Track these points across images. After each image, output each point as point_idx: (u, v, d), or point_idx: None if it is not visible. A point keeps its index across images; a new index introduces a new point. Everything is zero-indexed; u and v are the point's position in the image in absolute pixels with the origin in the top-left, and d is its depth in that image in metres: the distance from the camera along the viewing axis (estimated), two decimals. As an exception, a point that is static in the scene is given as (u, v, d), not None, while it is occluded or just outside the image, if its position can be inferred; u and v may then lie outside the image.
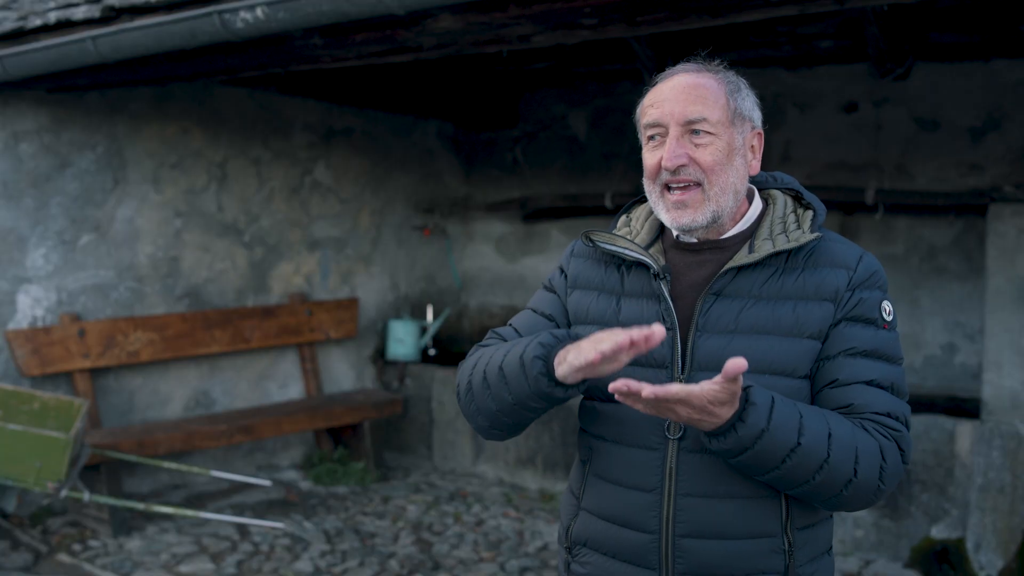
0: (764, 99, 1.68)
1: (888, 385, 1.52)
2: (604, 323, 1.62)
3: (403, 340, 6.26)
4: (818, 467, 1.42)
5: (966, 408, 4.81)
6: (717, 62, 1.64)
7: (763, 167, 1.70)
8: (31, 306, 4.76)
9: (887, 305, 1.57)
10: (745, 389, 1.38)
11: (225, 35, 3.50)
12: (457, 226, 7.16)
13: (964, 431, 4.17)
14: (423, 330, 6.46)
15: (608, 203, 5.84)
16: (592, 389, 1.64)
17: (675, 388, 1.32)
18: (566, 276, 1.74)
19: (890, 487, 1.49)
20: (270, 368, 5.89)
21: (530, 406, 1.54)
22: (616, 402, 1.59)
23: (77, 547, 4.36)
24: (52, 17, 4.04)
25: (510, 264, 7.01)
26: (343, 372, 6.30)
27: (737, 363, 1.28)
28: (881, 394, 1.51)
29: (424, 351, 6.50)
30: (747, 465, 1.44)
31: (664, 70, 1.65)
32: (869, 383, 1.50)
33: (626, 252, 1.62)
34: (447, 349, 6.70)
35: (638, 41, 4.85)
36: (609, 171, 6.41)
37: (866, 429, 1.48)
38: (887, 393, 1.52)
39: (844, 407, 1.50)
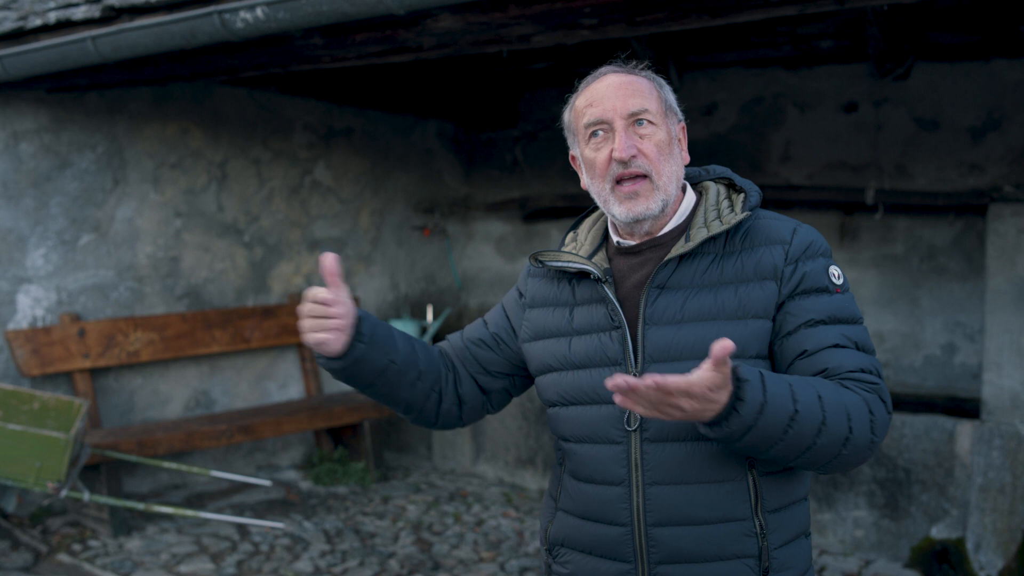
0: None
1: (853, 344, 1.54)
2: (560, 334, 1.69)
3: (403, 340, 6.25)
4: (817, 431, 1.42)
5: (966, 408, 4.81)
6: (634, 64, 1.70)
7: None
8: (31, 306, 4.76)
9: (835, 270, 1.59)
10: (732, 369, 1.37)
11: (225, 35, 3.50)
12: (457, 226, 7.16)
13: (964, 431, 4.17)
14: (423, 330, 6.46)
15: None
16: (552, 396, 1.69)
17: (674, 379, 1.30)
18: (522, 296, 1.81)
19: (882, 438, 1.51)
20: (270, 368, 5.89)
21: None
22: (574, 404, 1.65)
23: (77, 547, 4.36)
24: (52, 17, 4.04)
25: (510, 264, 7.01)
26: (343, 372, 6.29)
27: (724, 344, 1.27)
28: (850, 353, 1.53)
29: (424, 351, 6.50)
30: (752, 445, 1.42)
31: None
32: (836, 346, 1.53)
33: (570, 265, 1.68)
34: (447, 349, 6.69)
35: (638, 41, 4.85)
36: (609, 171, 6.41)
37: (847, 387, 1.49)
38: (855, 351, 1.54)
39: (819, 373, 1.52)
